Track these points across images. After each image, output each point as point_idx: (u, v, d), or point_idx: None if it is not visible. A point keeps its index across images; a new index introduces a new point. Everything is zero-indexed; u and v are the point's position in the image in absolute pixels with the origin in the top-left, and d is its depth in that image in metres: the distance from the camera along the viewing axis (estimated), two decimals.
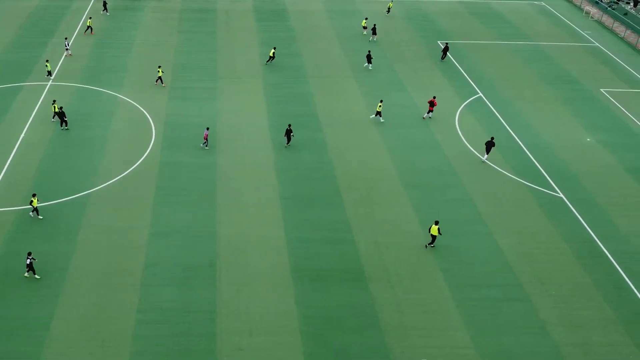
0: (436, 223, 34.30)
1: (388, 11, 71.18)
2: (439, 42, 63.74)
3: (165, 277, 32.39)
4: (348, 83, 54.17)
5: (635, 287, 33.07)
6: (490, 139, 43.19)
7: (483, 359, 28.50)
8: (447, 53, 58.67)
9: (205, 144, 43.45)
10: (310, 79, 54.70)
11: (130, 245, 34.42)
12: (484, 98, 52.22)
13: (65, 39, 57.34)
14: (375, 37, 63.39)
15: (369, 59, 56.57)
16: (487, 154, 42.96)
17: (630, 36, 68.06)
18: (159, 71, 51.97)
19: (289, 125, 44.04)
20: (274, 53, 56.72)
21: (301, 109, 49.69)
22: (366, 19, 65.88)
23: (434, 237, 34.63)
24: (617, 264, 34.58)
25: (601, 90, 55.01)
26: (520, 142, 45.83)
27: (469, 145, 45.11)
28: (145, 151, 43.03)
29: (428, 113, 48.14)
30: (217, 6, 71.42)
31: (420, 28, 67.40)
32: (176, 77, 54.03)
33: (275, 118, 48.13)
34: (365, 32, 65.33)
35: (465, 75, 56.31)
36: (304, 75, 55.39)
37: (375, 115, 47.77)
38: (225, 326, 29.67)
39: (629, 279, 33.60)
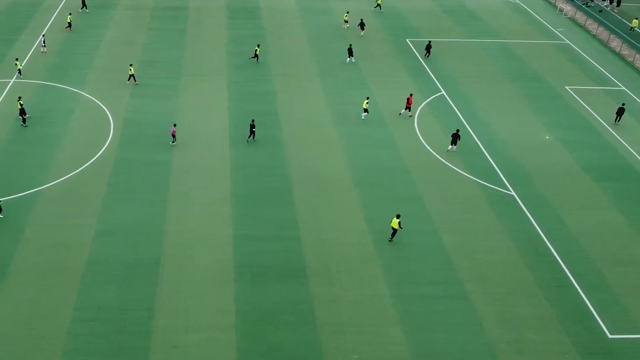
0: (397, 217, 34.48)
1: (379, 8, 71.24)
2: (407, 40, 63.76)
3: (107, 274, 32.38)
4: (312, 81, 54.18)
5: (578, 286, 33.12)
6: (455, 131, 43.56)
7: (414, 356, 28.55)
8: (430, 50, 58.85)
9: (173, 141, 43.59)
10: (275, 77, 54.70)
11: (75, 242, 34.42)
12: (446, 96, 52.24)
13: (43, 35, 57.47)
14: (363, 32, 63.96)
15: (350, 52, 56.99)
16: (454, 145, 43.46)
17: (603, 33, 68.06)
18: (130, 69, 51.91)
19: (252, 121, 44.18)
20: (257, 50, 56.73)
21: (262, 107, 49.69)
22: (347, 12, 66.26)
23: (394, 230, 34.79)
24: (562, 263, 34.63)
25: (566, 87, 55.03)
26: (477, 140, 45.88)
27: (425, 144, 45.14)
28: (101, 148, 43.04)
29: (406, 110, 48.23)
30: (189, 4, 71.35)
31: (390, 26, 67.38)
32: (141, 75, 53.98)
33: (236, 116, 48.14)
34: (346, 26, 65.77)
35: (430, 73, 56.32)
36: (269, 74, 55.39)
37: (364, 112, 47.92)
38: (161, 324, 29.69)
39: (573, 277, 33.65)
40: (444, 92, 52.93)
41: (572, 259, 34.88)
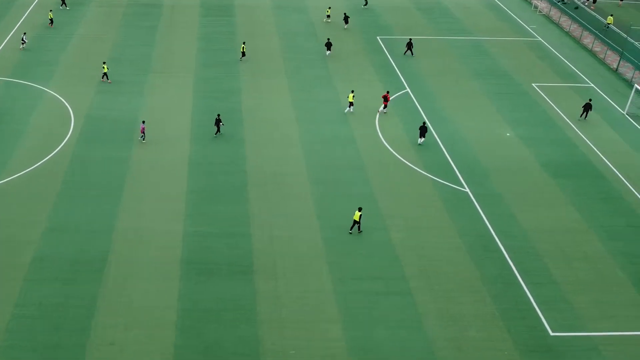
0: (359, 210, 34.89)
1: (366, 3, 71.52)
2: (378, 37, 63.73)
3: (52, 271, 32.32)
4: (278, 79, 54.14)
5: (525, 283, 33.10)
6: (422, 124, 44.32)
7: (351, 351, 28.56)
8: (411, 49, 58.73)
9: (142, 137, 43.75)
10: (242, 75, 54.67)
11: (23, 239, 34.35)
12: (410, 93, 52.20)
13: (24, 33, 57.64)
14: (347, 25, 65.07)
15: (328, 46, 57.92)
16: (423, 137, 44.13)
17: (576, 30, 68.03)
18: (104, 67, 51.90)
19: (218, 115, 44.40)
20: (244, 48, 56.82)
21: (226, 104, 49.67)
22: (329, 8, 66.74)
23: (356, 222, 35.24)
24: (510, 260, 34.62)
25: (533, 84, 55.01)
26: (437, 137, 45.85)
27: (384, 141, 45.12)
28: (59, 145, 42.97)
29: (384, 108, 48.37)
30: (164, 1, 71.22)
31: (363, 23, 67.34)
32: (108, 71, 53.91)
33: (199, 113, 48.13)
34: (327, 21, 66.66)
35: (397, 71, 56.27)
36: (237, 71, 55.36)
37: (349, 106, 48.47)
38: (101, 321, 29.65)
39: (519, 275, 33.63)
40: (408, 89, 52.89)
41: (521, 256, 34.88)
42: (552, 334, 30.21)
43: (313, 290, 31.86)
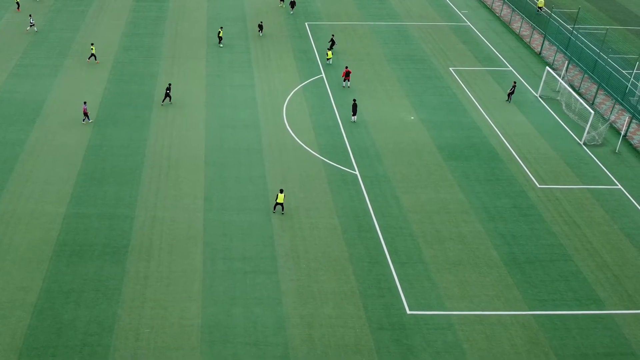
0: (281, 191, 35.96)
1: None
2: (306, 23, 64.03)
3: None
4: (197, 64, 54.48)
5: (392, 262, 33.78)
6: (353, 101, 45.89)
7: (204, 328, 29.22)
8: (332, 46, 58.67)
9: (86, 118, 44.55)
10: (162, 60, 54.98)
11: None
12: (324, 79, 52.64)
13: (30, 15, 58.60)
14: (292, 10, 66.53)
15: (260, 27, 59.88)
16: (354, 115, 45.90)
17: (508, 15, 68.46)
18: (92, 48, 53.17)
19: (169, 85, 46.94)
20: (220, 33, 57.41)
21: (139, 88, 50.04)
22: None
23: (280, 204, 36.22)
24: (383, 239, 35.30)
25: (450, 69, 55.50)
26: (339, 122, 46.39)
27: (287, 125, 45.63)
28: None
29: (346, 82, 50.87)
30: None
31: (296, 9, 67.53)
32: (26, 55, 54.20)
33: (110, 96, 48.50)
34: (281, 5, 68.00)
35: (317, 57, 56.62)
36: (158, 56, 55.65)
37: (328, 59, 54.29)
38: None
39: (389, 254, 34.31)
40: (323, 74, 53.32)
41: (394, 236, 35.56)
42: (408, 312, 30.92)
43: (182, 270, 32.49)
